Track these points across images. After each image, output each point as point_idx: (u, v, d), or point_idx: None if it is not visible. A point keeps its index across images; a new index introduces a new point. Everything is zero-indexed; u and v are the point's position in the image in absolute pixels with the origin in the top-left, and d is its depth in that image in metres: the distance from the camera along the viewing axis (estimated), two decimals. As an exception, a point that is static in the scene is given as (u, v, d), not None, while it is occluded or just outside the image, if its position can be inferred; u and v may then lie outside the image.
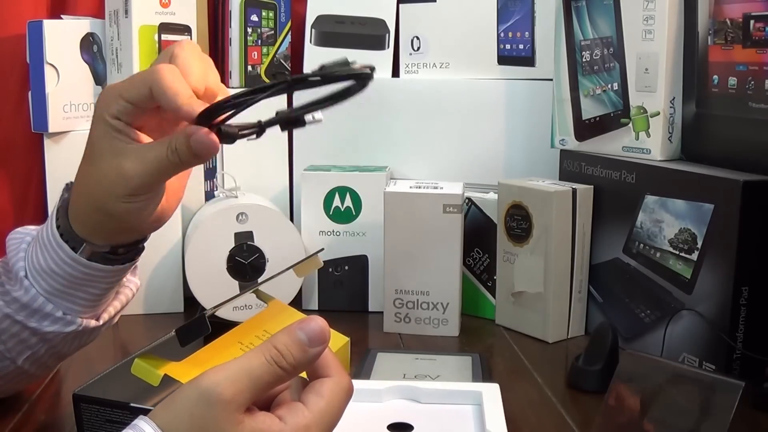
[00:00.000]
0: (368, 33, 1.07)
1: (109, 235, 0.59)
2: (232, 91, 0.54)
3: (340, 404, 0.47)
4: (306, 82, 0.48)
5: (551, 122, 0.98)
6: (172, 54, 0.55)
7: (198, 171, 1.04)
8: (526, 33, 1.05)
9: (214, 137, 0.52)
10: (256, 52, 1.07)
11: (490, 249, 0.97)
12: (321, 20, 1.07)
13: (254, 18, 1.07)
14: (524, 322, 0.93)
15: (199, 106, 0.52)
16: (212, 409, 0.43)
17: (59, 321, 0.60)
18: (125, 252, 0.61)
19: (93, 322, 0.62)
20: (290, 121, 0.51)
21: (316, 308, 1.01)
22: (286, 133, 1.08)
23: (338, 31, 1.07)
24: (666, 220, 0.82)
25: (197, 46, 0.57)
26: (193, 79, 0.54)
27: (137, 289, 0.69)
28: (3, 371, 0.64)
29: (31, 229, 0.63)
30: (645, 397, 0.63)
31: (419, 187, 0.93)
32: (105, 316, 0.64)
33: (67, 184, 0.61)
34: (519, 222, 0.92)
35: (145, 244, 0.63)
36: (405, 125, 1.07)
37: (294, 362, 0.45)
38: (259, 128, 0.52)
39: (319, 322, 0.46)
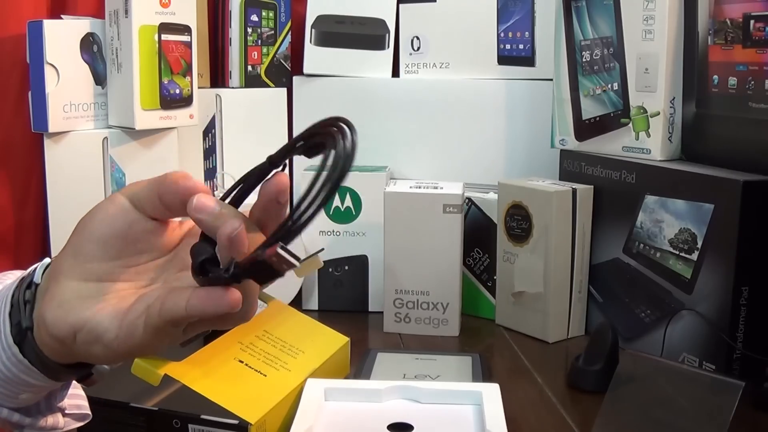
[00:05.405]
0: (368, 33, 1.07)
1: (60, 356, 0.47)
2: None
3: None
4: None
5: (551, 122, 0.98)
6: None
7: (198, 171, 1.04)
8: (526, 33, 1.05)
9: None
10: (256, 52, 1.07)
11: (490, 249, 0.97)
12: (321, 20, 1.07)
13: (254, 18, 1.07)
14: (524, 322, 0.93)
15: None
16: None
17: None
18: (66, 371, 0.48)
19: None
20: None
21: (316, 308, 1.01)
22: (285, 132, 1.08)
23: (338, 31, 1.07)
24: (666, 220, 0.82)
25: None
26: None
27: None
28: None
29: None
30: (645, 397, 0.63)
31: (419, 187, 0.93)
32: None
33: (44, 263, 0.48)
34: (519, 222, 0.92)
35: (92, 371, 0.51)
36: (405, 125, 1.07)
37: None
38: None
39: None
